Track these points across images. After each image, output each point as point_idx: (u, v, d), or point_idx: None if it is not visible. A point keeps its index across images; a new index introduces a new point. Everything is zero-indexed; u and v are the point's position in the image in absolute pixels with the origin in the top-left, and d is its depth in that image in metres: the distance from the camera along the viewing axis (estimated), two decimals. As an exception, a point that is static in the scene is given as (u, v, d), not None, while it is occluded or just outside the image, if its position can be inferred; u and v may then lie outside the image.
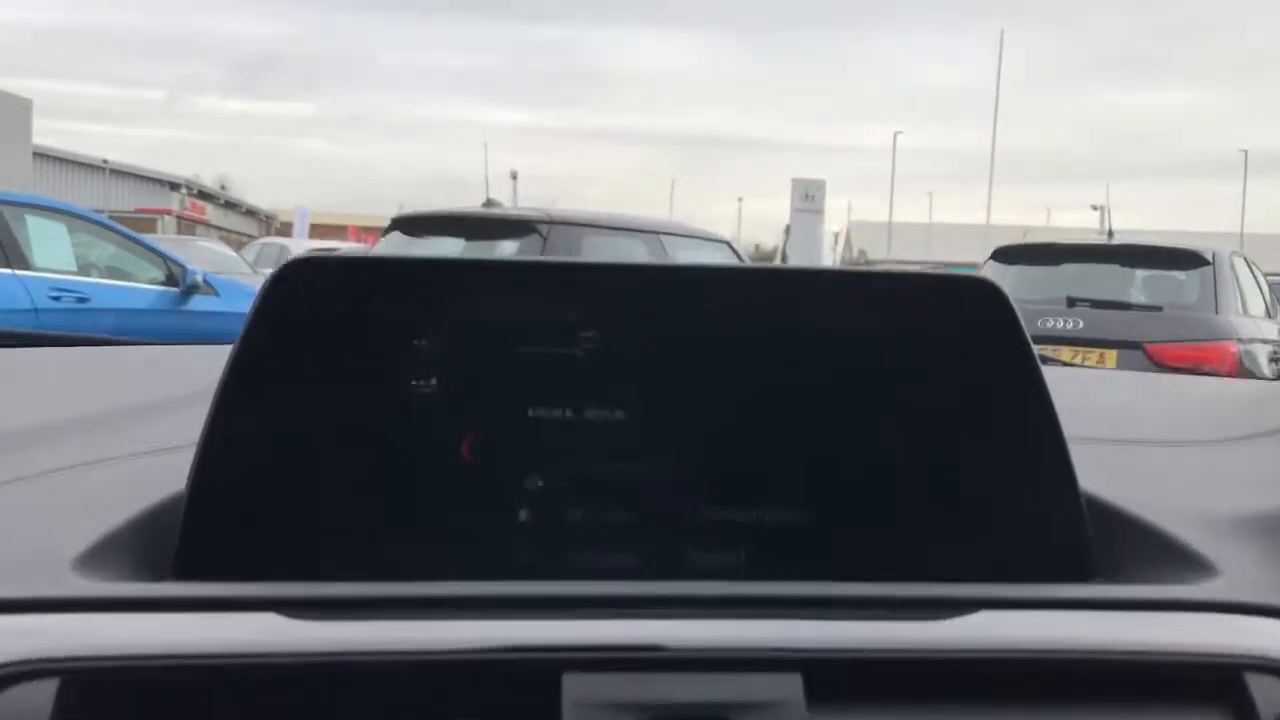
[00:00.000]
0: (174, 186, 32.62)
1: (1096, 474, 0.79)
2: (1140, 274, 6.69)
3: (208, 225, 32.91)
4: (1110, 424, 1.06)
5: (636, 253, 7.07)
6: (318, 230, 28.70)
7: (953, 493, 0.72)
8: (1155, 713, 0.61)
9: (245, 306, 0.71)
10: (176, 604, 0.61)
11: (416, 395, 0.70)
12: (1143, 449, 1.00)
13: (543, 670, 0.58)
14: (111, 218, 8.59)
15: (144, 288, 6.85)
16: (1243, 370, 5.86)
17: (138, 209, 28.90)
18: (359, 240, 26.35)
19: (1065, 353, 5.97)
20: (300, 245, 18.97)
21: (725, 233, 9.36)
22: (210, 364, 0.71)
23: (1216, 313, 6.09)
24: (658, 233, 7.29)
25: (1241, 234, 40.50)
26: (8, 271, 6.09)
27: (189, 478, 0.68)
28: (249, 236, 30.77)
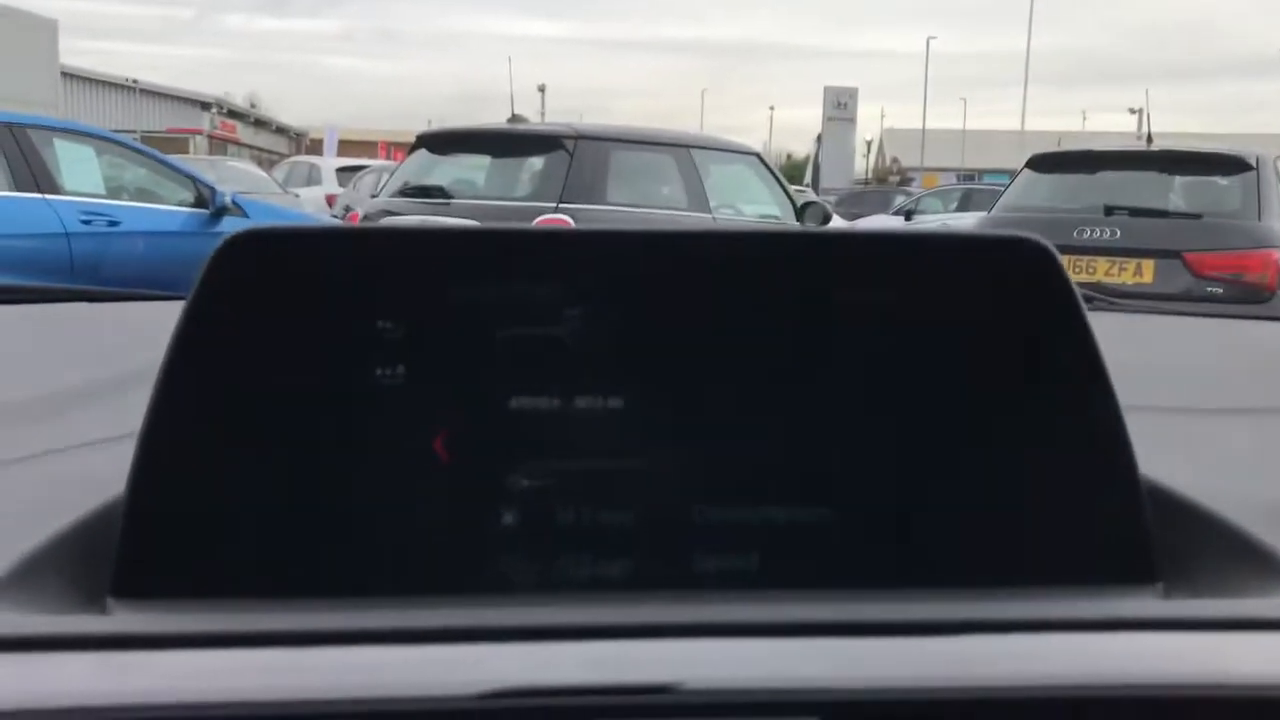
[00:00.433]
0: (204, 106, 32.58)
1: (1160, 454, 0.69)
2: (1180, 180, 6.55)
3: (239, 144, 32.90)
4: (1180, 387, 0.96)
5: (665, 166, 7.00)
6: (347, 148, 28.60)
7: (992, 484, 0.63)
8: None
9: None
10: (115, 641, 0.52)
11: (383, 385, 0.62)
12: (1219, 420, 0.90)
13: (521, 715, 0.51)
14: (143, 138, 8.59)
15: (173, 210, 6.85)
16: (1285, 280, 5.75)
17: (169, 129, 28.91)
18: (388, 156, 26.24)
19: (1101, 265, 5.88)
20: (329, 163, 18.93)
21: (756, 143, 9.24)
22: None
23: (1259, 220, 5.95)
24: (686, 146, 7.21)
25: (1286, 135, 39.66)
26: (38, 196, 6.11)
27: (128, 480, 0.60)
28: (280, 155, 30.74)
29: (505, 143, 7.18)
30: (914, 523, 0.63)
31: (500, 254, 0.64)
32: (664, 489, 0.63)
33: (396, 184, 7.19)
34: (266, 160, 24.67)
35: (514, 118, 7.69)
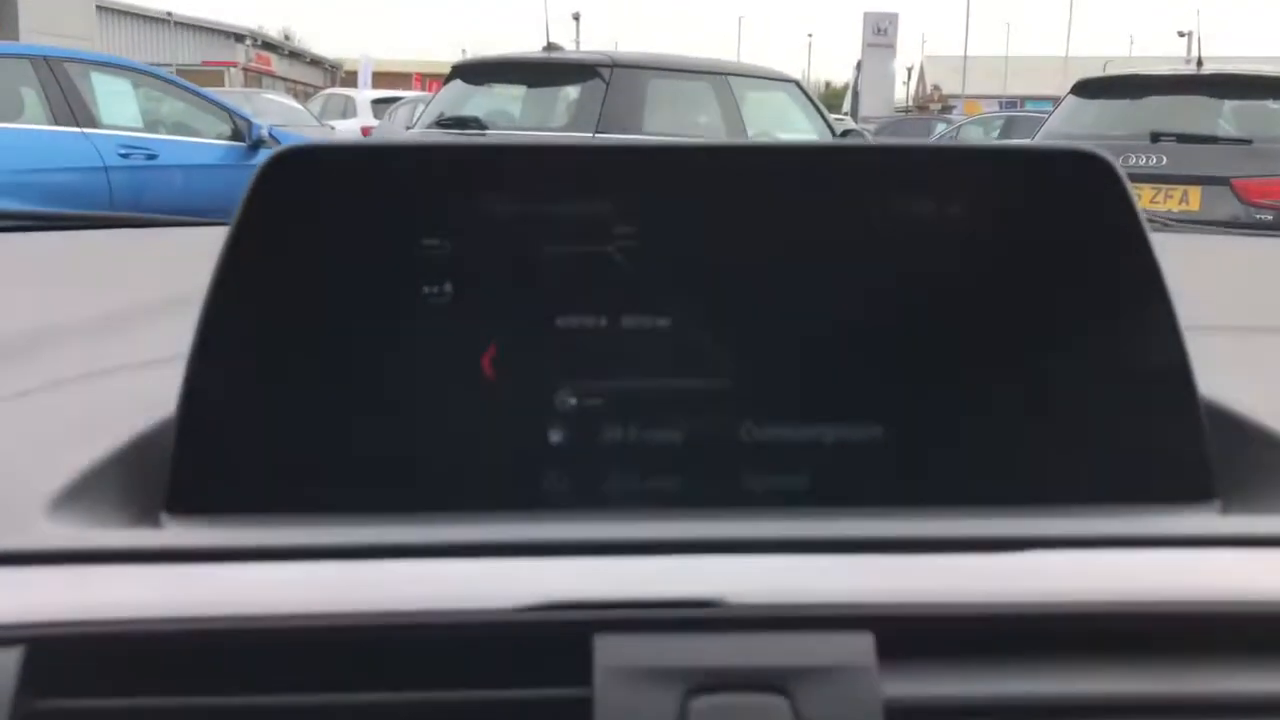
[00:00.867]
0: (239, 38, 32.50)
1: (1218, 373, 0.68)
2: (1229, 105, 6.39)
3: (274, 77, 32.85)
4: (1238, 306, 0.93)
5: (702, 95, 6.93)
6: (382, 79, 28.46)
7: (1047, 401, 0.62)
8: None
9: None
10: (168, 555, 0.54)
11: (430, 302, 0.62)
12: (1276, 339, 0.88)
13: (571, 631, 0.51)
14: (179, 71, 8.57)
15: (211, 143, 6.87)
16: (1336, 205, 5.63)
17: (204, 62, 28.90)
18: (423, 88, 26.12)
19: (1146, 191, 5.78)
20: (364, 95, 18.88)
21: (795, 72, 9.10)
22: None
23: (1313, 144, 5.82)
24: (724, 74, 7.12)
25: (1340, 58, 38.65)
26: (76, 130, 6.14)
27: (179, 399, 0.60)
28: (314, 87, 30.68)
29: (541, 72, 7.12)
30: (968, 441, 0.62)
31: (545, 169, 0.63)
32: (712, 408, 0.62)
33: (432, 115, 7.17)
34: (301, 93, 24.64)
35: (549, 46, 7.60)
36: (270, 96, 16.36)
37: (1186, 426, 0.61)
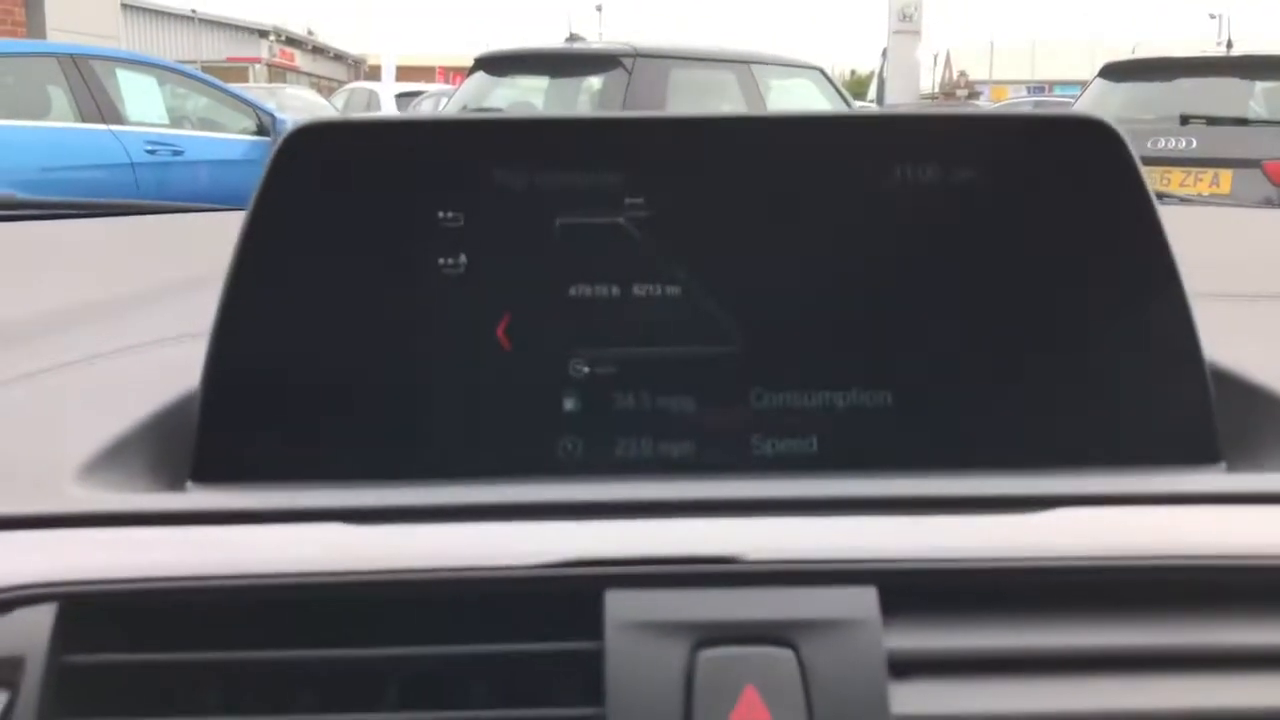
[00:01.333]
0: (262, 34, 32.64)
1: (1226, 338, 0.69)
2: (1260, 87, 6.31)
3: (297, 72, 32.99)
4: (1248, 275, 0.93)
5: (726, 84, 6.90)
6: (405, 73, 28.53)
7: (1054, 365, 0.63)
8: None
9: None
10: (193, 517, 0.55)
11: (446, 273, 0.63)
12: None
13: (582, 588, 0.52)
14: (203, 68, 8.61)
15: (236, 139, 6.90)
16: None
17: (229, 58, 29.04)
18: (446, 80, 26.16)
19: (1176, 175, 5.71)
20: (388, 88, 18.92)
21: (821, 59, 9.05)
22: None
23: (1345, 126, 5.74)
24: (747, 62, 7.09)
25: (1372, 38, 38.15)
26: (103, 127, 6.17)
27: (203, 370, 0.63)
28: (338, 82, 30.78)
29: (563, 63, 7.12)
30: (976, 406, 0.63)
31: (556, 142, 0.64)
32: (723, 374, 0.63)
33: (454, 107, 7.18)
34: (325, 88, 24.73)
35: (572, 37, 7.60)
36: (293, 91, 16.44)
37: (1192, 390, 0.62)
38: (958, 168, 0.63)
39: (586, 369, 0.63)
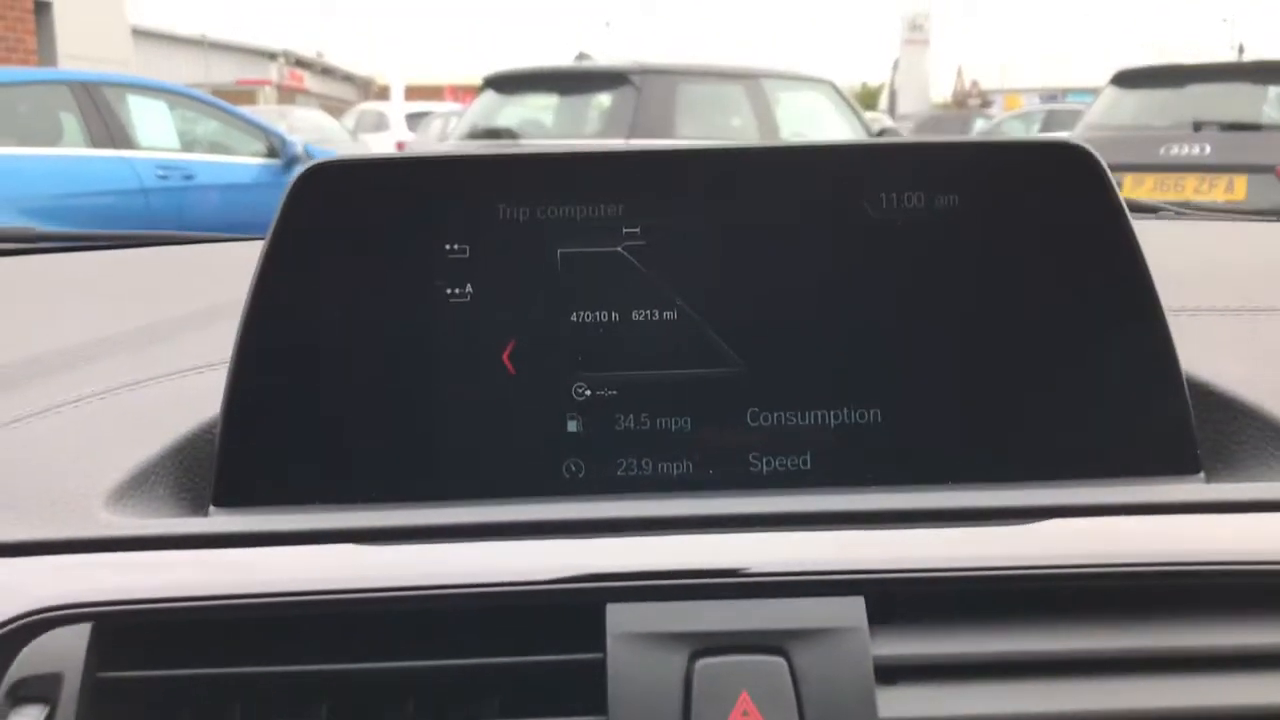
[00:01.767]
0: (271, 57, 32.84)
1: (1210, 352, 0.72)
2: (1274, 91, 6.27)
3: (307, 94, 33.17)
4: (1238, 288, 0.94)
5: (735, 99, 6.90)
6: (414, 93, 28.66)
7: (1038, 381, 0.66)
8: (1273, 629, 0.55)
9: None
10: (217, 540, 0.58)
11: (453, 302, 0.66)
12: (1271, 318, 0.89)
13: (587, 599, 0.54)
14: (214, 91, 8.65)
15: (247, 162, 6.91)
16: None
17: (239, 81, 29.22)
18: (455, 100, 26.27)
19: (1191, 181, 5.67)
20: (397, 109, 18.99)
21: (832, 72, 9.05)
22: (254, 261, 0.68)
23: (1359, 130, 5.69)
24: (756, 77, 7.08)
25: (1384, 40, 38.05)
26: (115, 153, 6.19)
27: (223, 399, 0.65)
28: (347, 103, 30.92)
29: (572, 81, 7.14)
30: (962, 422, 0.66)
31: (556, 176, 0.68)
32: (719, 395, 0.67)
33: (465, 127, 7.19)
34: (335, 109, 24.84)
35: (580, 55, 7.61)
36: (303, 113, 16.51)
37: (1171, 404, 0.66)
38: (941, 194, 0.67)
39: (588, 392, 0.67)
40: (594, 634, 0.53)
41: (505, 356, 0.66)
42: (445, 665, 0.54)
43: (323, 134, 13.05)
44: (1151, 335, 0.66)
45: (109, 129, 6.25)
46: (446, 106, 18.38)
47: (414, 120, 16.70)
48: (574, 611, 0.54)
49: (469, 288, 0.66)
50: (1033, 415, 0.66)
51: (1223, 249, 1.21)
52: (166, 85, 7.28)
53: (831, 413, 0.66)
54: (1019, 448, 0.65)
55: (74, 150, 6.16)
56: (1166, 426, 0.65)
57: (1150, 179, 5.80)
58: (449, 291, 0.66)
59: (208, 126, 7.10)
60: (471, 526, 0.59)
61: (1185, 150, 5.78)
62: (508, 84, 7.31)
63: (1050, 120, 18.16)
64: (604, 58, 8.04)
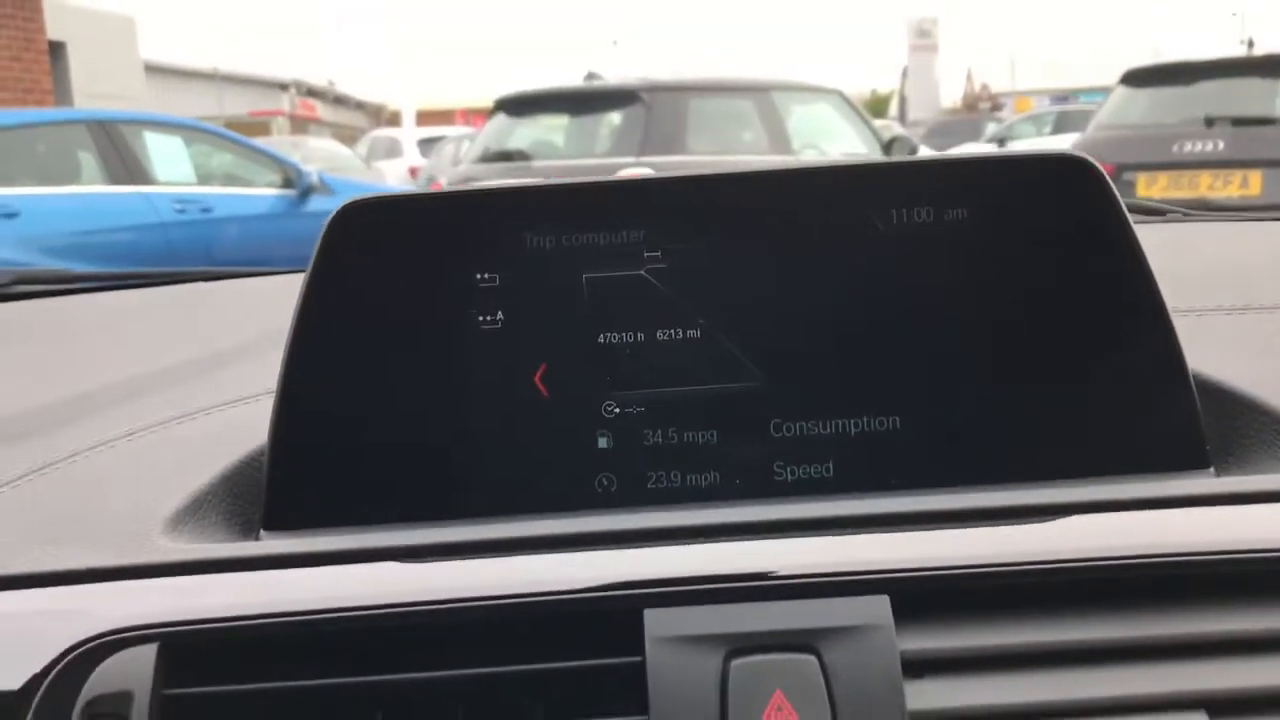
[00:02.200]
0: (282, 88, 33.06)
1: (1218, 351, 0.74)
2: (1286, 85, 6.24)
3: (319, 122, 33.36)
4: (1244, 287, 0.96)
5: (745, 113, 6.91)
6: (425, 118, 28.81)
7: (1050, 385, 0.68)
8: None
9: None
10: (268, 562, 0.61)
11: (485, 329, 0.69)
12: (1272, 317, 0.91)
13: (624, 607, 0.57)
14: (228, 123, 8.72)
15: (263, 193, 6.95)
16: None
17: (251, 112, 29.41)
18: (467, 123, 26.39)
19: (1205, 178, 5.66)
20: (409, 134, 19.08)
21: (841, 81, 9.05)
22: (291, 294, 0.71)
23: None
24: (766, 89, 7.09)
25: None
26: (132, 189, 6.24)
27: (270, 429, 0.69)
28: (360, 130, 31.07)
29: (583, 101, 7.15)
30: (978, 427, 0.69)
31: (579, 206, 0.71)
32: (744, 408, 0.70)
33: (477, 150, 7.22)
34: (347, 136, 24.98)
35: (590, 75, 7.64)
36: (316, 142, 16.59)
37: (1180, 403, 0.68)
38: (950, 208, 0.69)
39: (617, 409, 0.70)
40: (633, 639, 0.56)
41: (537, 379, 0.69)
42: (493, 673, 0.56)
43: (336, 162, 13.13)
44: (1158, 337, 0.68)
45: (126, 166, 6.31)
46: (458, 130, 18.46)
47: (426, 145, 16.78)
48: (613, 618, 0.57)
49: (500, 315, 0.69)
50: (1045, 418, 0.68)
51: (1227, 249, 1.23)
52: (181, 120, 7.34)
53: (852, 421, 0.69)
54: (1033, 450, 0.68)
55: (93, 188, 6.22)
56: (1176, 425, 0.68)
57: (1164, 177, 5.79)
58: (481, 319, 0.69)
59: (223, 159, 7.15)
60: (512, 540, 0.61)
61: (1198, 147, 5.76)
62: (519, 106, 7.33)
63: (1062, 121, 18.10)
64: (613, 76, 8.07)
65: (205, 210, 6.53)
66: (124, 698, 0.55)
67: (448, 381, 0.69)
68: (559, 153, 7.02)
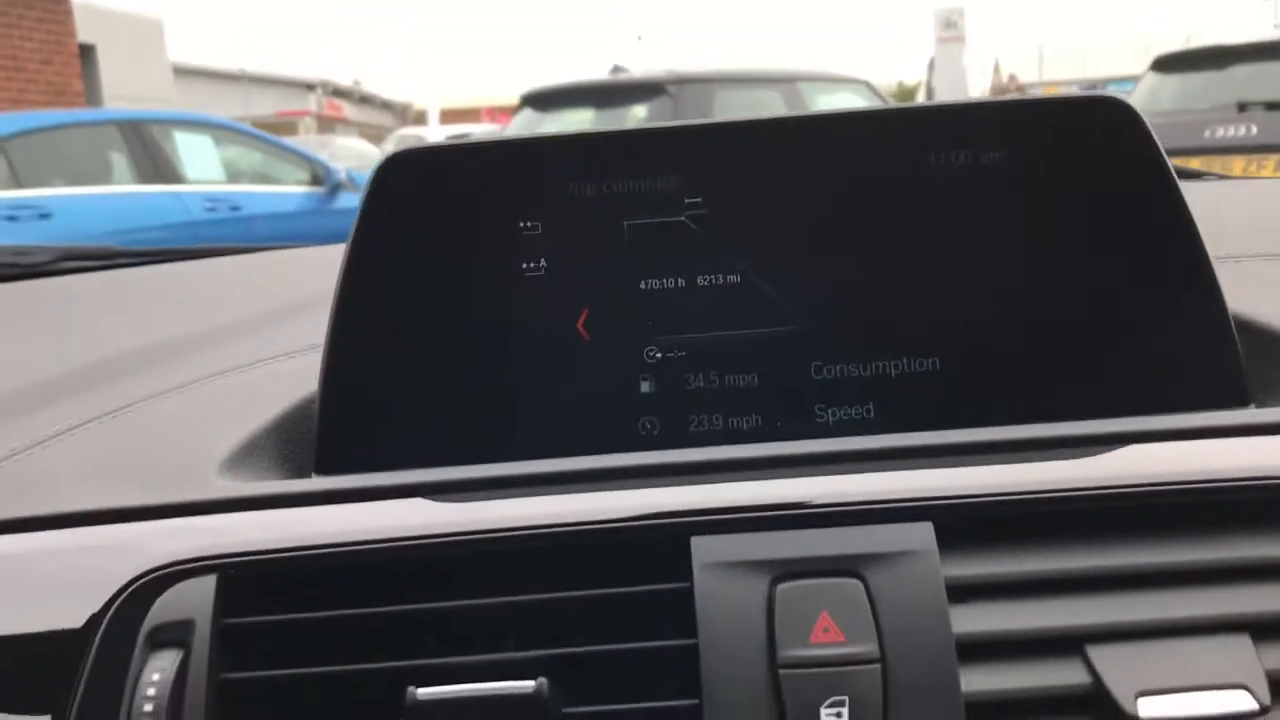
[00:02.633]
0: (309, 88, 33.24)
1: (1258, 294, 0.75)
2: (1319, 67, 6.16)
3: (346, 122, 33.52)
4: (1276, 238, 0.96)
5: (771, 104, 6.90)
6: (450, 115, 28.90)
7: (1089, 325, 0.68)
8: None
9: None
10: (322, 497, 0.63)
11: (528, 276, 0.70)
12: None
13: (671, 535, 0.58)
14: (255, 124, 8.77)
15: (292, 191, 7.00)
16: None
17: (278, 113, 29.59)
18: (492, 121, 26.45)
19: (1238, 163, 5.60)
20: (435, 132, 19.15)
21: (868, 72, 9.02)
22: (334, 262, 0.73)
23: None
24: (792, 80, 7.08)
25: None
26: (163, 188, 6.29)
27: (320, 375, 0.70)
28: (386, 129, 31.20)
29: (609, 95, 7.17)
30: (1018, 367, 0.69)
31: (619, 153, 0.71)
32: (784, 352, 0.70)
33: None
34: (374, 136, 25.08)
35: (615, 69, 7.64)
36: (344, 141, 16.68)
37: (1220, 340, 0.68)
38: (987, 150, 0.70)
39: (659, 354, 0.70)
40: (681, 565, 0.57)
41: (580, 324, 0.70)
42: (543, 599, 0.58)
43: (364, 161, 13.18)
44: (1198, 277, 0.68)
45: (157, 165, 6.36)
46: (484, 128, 18.52)
47: (453, 143, 16.81)
48: (661, 547, 0.58)
49: (543, 261, 0.70)
50: (1084, 356, 0.68)
51: (1262, 204, 1.24)
52: (210, 119, 7.39)
53: (891, 363, 0.69)
54: (1072, 388, 0.68)
55: (124, 188, 6.27)
56: (1216, 363, 0.68)
57: (1196, 163, 5.72)
58: (525, 266, 0.70)
59: (251, 158, 7.20)
60: (562, 474, 0.63)
61: (1231, 132, 5.70)
62: (545, 100, 7.35)
63: (1091, 110, 17.88)
64: (639, 70, 8.07)
65: (235, 208, 6.58)
66: (186, 626, 0.57)
67: (492, 327, 0.70)
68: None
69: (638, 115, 6.82)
